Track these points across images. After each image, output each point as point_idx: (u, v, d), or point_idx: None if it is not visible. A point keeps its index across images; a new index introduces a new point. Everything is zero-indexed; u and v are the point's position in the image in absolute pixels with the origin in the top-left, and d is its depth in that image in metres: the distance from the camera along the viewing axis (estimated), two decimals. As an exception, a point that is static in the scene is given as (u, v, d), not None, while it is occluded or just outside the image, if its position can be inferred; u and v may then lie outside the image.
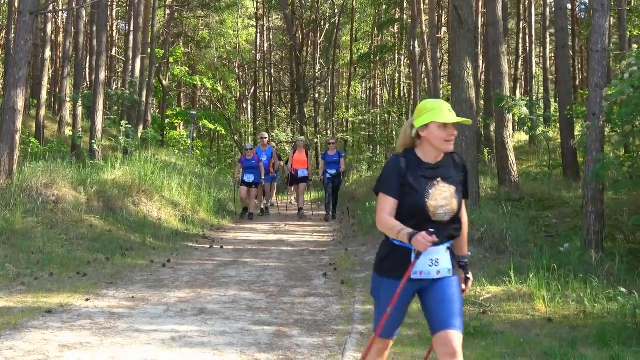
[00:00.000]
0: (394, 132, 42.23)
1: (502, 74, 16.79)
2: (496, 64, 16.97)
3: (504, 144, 16.42)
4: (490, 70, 19.29)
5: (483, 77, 28.40)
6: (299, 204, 20.42)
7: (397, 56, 45.83)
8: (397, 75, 47.31)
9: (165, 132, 34.50)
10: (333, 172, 19.34)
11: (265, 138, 21.12)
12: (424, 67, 34.03)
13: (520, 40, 36.34)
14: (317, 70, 45.01)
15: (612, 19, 20.88)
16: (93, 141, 19.56)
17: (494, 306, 8.38)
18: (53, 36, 37.18)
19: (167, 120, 36.67)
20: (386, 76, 49.55)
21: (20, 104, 13.20)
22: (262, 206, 20.78)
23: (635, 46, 10.70)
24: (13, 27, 25.65)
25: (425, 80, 33.33)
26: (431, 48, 29.47)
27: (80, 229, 12.59)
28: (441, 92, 31.21)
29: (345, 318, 7.87)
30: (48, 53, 28.99)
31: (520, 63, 36.54)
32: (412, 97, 36.87)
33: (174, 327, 7.19)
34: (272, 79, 50.44)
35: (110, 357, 6.05)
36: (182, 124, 41.33)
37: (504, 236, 11.54)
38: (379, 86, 51.33)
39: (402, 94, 47.51)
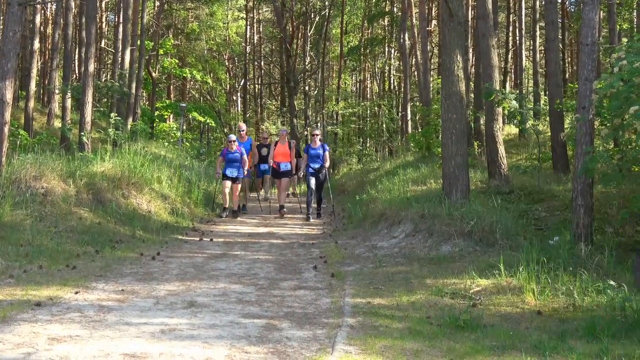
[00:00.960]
0: (384, 125, 42.28)
1: (492, 67, 16.79)
2: (486, 57, 16.97)
3: (493, 137, 16.44)
4: (480, 63, 19.29)
5: (473, 70, 28.41)
6: (280, 201, 19.02)
7: (387, 49, 45.85)
8: (387, 68, 47.32)
9: (154, 125, 34.42)
10: (316, 165, 17.91)
11: (243, 130, 19.65)
12: (414, 59, 34.05)
13: (510, 34, 36.38)
14: (307, 63, 44.99)
15: (602, 12, 20.88)
16: (82, 133, 19.47)
17: (484, 299, 8.39)
18: (42, 27, 37.03)
19: (156, 113, 36.57)
20: (376, 69, 49.55)
21: (8, 95, 13.15)
22: (241, 204, 19.30)
23: (624, 40, 10.74)
24: (1, 18, 25.52)
25: (416, 73, 33.34)
26: (421, 41, 29.48)
27: (69, 222, 12.55)
28: (431, 85, 31.23)
29: (335, 311, 7.86)
30: (37, 44, 28.90)
31: (510, 56, 36.58)
32: (402, 89, 36.86)
33: (163, 320, 7.18)
34: (262, 71, 50.38)
35: (100, 350, 6.03)
36: (171, 116, 41.23)
37: (494, 229, 11.57)
38: (369, 79, 51.33)
39: (392, 87, 47.51)
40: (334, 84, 49.15)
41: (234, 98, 49.93)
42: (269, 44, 52.27)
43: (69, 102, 25.37)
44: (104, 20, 44.14)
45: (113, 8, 42.98)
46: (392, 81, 47.83)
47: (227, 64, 47.78)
